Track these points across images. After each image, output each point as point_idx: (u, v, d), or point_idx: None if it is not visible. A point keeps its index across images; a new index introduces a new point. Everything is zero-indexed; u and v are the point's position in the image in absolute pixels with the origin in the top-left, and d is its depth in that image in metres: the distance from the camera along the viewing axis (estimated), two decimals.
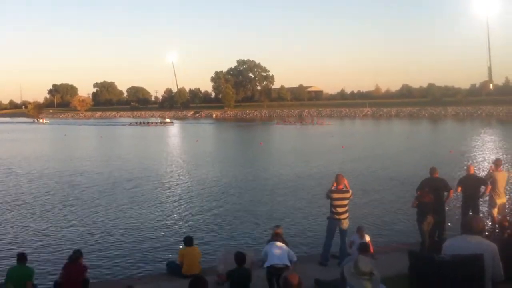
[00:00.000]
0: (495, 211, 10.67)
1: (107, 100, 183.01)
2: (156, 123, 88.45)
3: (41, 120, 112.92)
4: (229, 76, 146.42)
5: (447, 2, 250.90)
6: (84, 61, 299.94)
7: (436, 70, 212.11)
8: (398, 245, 10.79)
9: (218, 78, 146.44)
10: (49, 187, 20.52)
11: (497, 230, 9.07)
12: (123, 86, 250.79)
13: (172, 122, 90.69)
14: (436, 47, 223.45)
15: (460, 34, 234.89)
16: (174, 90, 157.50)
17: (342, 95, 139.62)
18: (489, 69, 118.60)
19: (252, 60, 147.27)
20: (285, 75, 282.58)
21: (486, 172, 13.71)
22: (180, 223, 14.17)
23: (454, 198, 12.09)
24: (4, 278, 7.61)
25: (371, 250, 8.58)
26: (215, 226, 13.72)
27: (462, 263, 4.20)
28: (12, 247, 11.66)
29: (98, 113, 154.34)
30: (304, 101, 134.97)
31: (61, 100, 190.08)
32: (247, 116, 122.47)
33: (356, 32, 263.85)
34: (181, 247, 9.67)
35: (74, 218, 14.83)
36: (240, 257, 7.15)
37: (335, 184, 9.21)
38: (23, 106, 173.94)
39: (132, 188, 19.99)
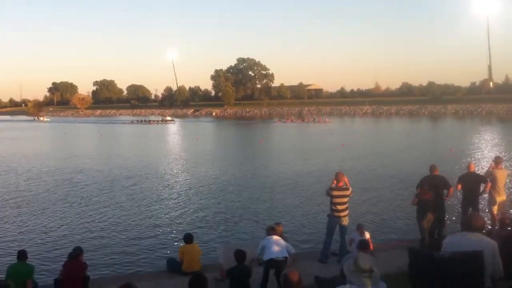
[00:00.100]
0: (494, 209, 10.70)
1: (107, 98, 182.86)
2: (157, 121, 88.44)
3: (41, 118, 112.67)
4: (229, 74, 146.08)
5: (447, 2, 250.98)
6: (84, 60, 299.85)
7: (436, 69, 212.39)
8: (398, 242, 10.82)
9: (218, 76, 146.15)
10: (49, 185, 20.54)
11: (496, 227, 9.06)
12: (123, 84, 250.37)
13: (173, 120, 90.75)
14: (436, 47, 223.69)
15: (460, 34, 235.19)
16: (174, 88, 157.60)
17: (342, 93, 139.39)
18: (489, 67, 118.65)
19: (252, 58, 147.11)
20: (285, 73, 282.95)
21: (486, 170, 13.71)
22: (180, 220, 14.18)
23: (454, 195, 12.09)
24: (4, 275, 7.62)
25: (371, 247, 8.61)
26: (214, 223, 13.73)
27: (462, 260, 4.19)
28: (12, 244, 11.69)
29: (98, 111, 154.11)
30: (304, 99, 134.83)
31: (60, 98, 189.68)
32: (247, 114, 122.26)
33: (356, 32, 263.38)
34: (181, 244, 9.68)
35: (74, 215, 14.85)
36: (240, 255, 7.14)
37: (335, 182, 9.22)
38: (23, 104, 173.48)
39: (132, 186, 20.02)
